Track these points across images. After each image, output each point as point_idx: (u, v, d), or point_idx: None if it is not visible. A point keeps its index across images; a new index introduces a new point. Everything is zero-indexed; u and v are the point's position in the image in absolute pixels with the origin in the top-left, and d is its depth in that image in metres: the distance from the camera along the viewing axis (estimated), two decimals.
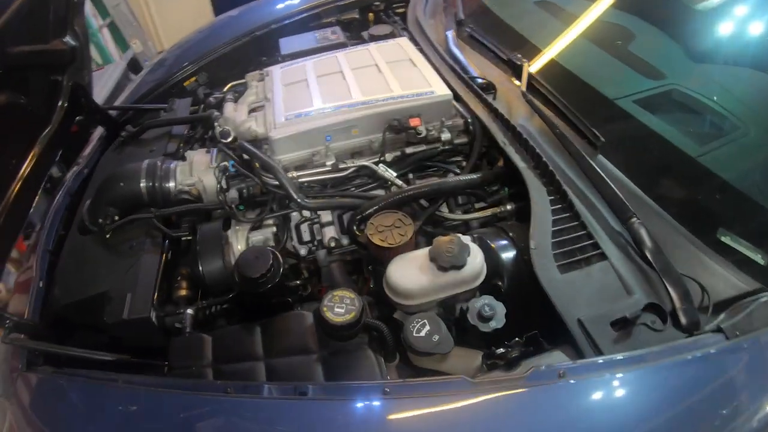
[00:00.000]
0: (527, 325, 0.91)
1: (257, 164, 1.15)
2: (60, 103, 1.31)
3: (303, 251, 1.16)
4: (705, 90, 1.16)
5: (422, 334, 0.87)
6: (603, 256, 0.92)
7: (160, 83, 1.71)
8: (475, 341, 0.91)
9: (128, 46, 3.29)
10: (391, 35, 1.70)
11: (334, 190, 1.19)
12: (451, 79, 1.36)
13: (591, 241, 0.95)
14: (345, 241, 1.15)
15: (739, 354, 0.81)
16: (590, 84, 1.25)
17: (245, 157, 1.16)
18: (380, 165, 1.19)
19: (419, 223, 1.11)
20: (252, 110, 1.31)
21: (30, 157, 1.21)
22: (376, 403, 0.76)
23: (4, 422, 0.93)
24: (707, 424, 0.77)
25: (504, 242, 1.00)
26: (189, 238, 1.15)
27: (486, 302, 0.89)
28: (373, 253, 1.01)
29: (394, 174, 1.18)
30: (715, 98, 1.14)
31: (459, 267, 0.90)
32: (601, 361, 0.78)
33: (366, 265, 1.12)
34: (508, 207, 1.15)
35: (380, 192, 1.19)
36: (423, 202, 1.18)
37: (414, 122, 1.19)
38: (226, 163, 1.19)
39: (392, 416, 0.77)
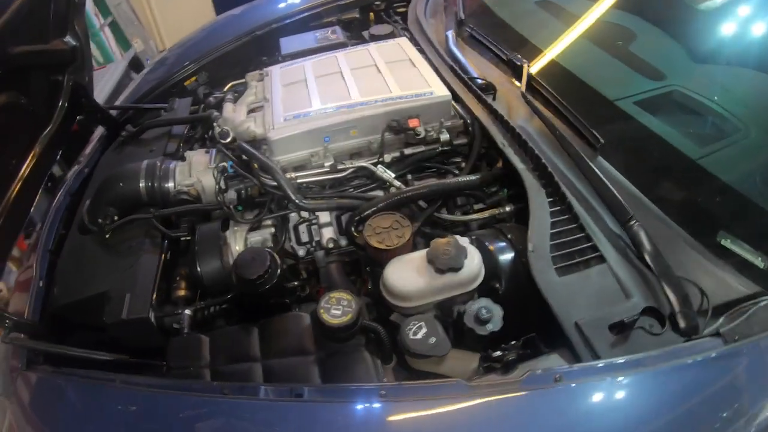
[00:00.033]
0: (525, 327, 0.91)
1: (256, 165, 1.15)
2: (60, 103, 1.32)
3: (301, 252, 1.16)
4: (706, 91, 1.15)
5: (419, 336, 0.86)
6: (601, 259, 0.92)
7: (161, 82, 1.71)
8: (472, 344, 0.90)
9: (130, 45, 3.30)
10: (391, 35, 1.69)
11: (333, 191, 1.19)
12: (451, 79, 1.36)
13: (589, 244, 0.94)
14: (343, 242, 1.15)
15: (738, 359, 0.81)
16: (590, 85, 1.24)
17: (244, 157, 1.16)
18: (379, 166, 1.19)
19: (417, 224, 1.11)
20: (251, 110, 1.31)
21: (30, 157, 1.21)
22: (372, 405, 0.76)
23: (4, 421, 0.94)
24: (704, 430, 0.76)
25: (502, 244, 1.00)
26: (188, 238, 1.16)
27: (483, 305, 0.89)
28: (370, 254, 1.01)
29: (393, 175, 1.18)
30: (716, 99, 1.13)
31: (456, 269, 0.90)
32: (598, 365, 0.77)
33: (364, 266, 1.12)
34: (507, 208, 1.14)
35: (379, 193, 1.19)
36: (422, 203, 1.17)
37: (413, 123, 1.19)
38: (224, 163, 1.19)
39: (387, 419, 0.77)
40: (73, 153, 1.55)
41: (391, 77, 1.28)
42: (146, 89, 1.71)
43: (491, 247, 0.98)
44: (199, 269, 1.06)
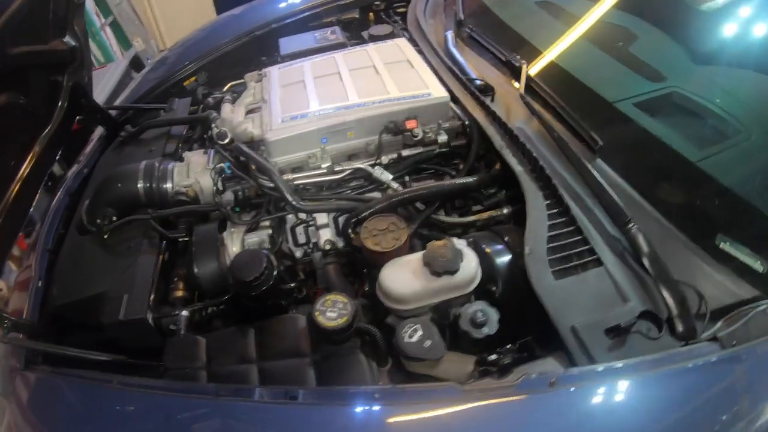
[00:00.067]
0: (521, 331, 0.91)
1: (253, 166, 1.15)
2: (60, 103, 1.32)
3: (298, 253, 1.16)
4: (706, 93, 1.14)
5: (414, 339, 0.86)
6: (599, 262, 0.91)
7: (161, 82, 1.72)
8: (468, 347, 0.90)
9: (130, 45, 3.30)
10: (391, 35, 1.69)
11: (330, 192, 1.19)
12: (449, 80, 1.35)
13: (587, 247, 0.94)
14: (341, 243, 1.15)
15: (736, 364, 0.80)
16: (589, 86, 1.23)
17: (241, 158, 1.16)
18: (376, 167, 1.19)
19: (414, 226, 1.11)
20: (249, 111, 1.31)
21: (30, 157, 1.22)
22: (366, 408, 0.76)
23: (2, 421, 0.95)
24: None
25: (499, 247, 0.99)
26: (186, 239, 1.16)
27: (479, 308, 0.89)
28: (367, 257, 1.01)
29: (390, 176, 1.18)
30: (716, 101, 1.12)
31: (452, 272, 0.90)
32: (594, 369, 0.77)
33: (361, 268, 1.12)
34: (505, 210, 1.14)
35: (376, 195, 1.19)
36: (419, 205, 1.17)
37: (410, 124, 1.19)
38: (222, 164, 1.19)
39: (382, 422, 0.77)
40: (73, 153, 1.55)
41: (389, 78, 1.28)
42: (146, 89, 1.71)
43: (488, 250, 0.98)
44: (195, 270, 1.06)
